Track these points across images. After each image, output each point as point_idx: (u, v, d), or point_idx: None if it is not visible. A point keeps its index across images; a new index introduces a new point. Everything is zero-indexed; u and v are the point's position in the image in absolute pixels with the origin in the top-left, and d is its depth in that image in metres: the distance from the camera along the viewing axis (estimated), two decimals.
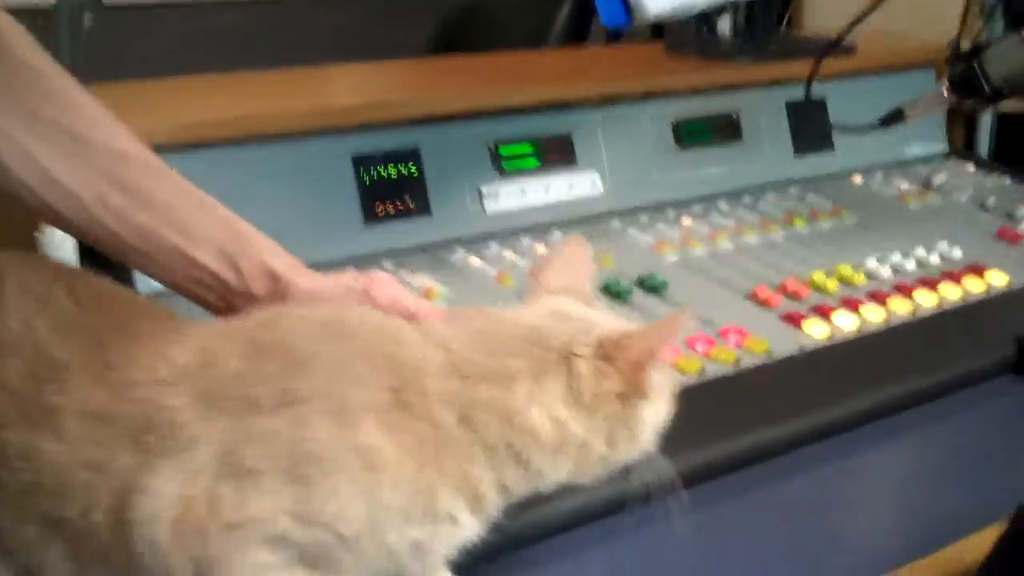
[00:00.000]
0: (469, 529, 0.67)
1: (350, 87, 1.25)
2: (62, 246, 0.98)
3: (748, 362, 1.02)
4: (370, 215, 1.17)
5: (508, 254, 1.20)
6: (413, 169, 1.20)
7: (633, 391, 0.67)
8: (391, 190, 1.19)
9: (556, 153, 1.30)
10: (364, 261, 1.14)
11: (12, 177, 0.68)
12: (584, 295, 0.75)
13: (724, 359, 1.01)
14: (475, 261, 1.18)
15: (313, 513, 0.62)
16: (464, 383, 0.65)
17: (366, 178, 1.17)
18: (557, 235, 1.26)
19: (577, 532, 0.80)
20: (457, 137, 1.23)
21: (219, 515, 0.61)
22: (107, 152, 0.69)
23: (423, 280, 1.12)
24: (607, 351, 0.67)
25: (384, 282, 0.74)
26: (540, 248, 1.23)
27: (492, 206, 1.25)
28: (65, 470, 0.65)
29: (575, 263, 0.78)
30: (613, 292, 1.13)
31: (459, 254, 1.19)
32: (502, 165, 1.26)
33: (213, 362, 0.65)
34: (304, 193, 1.13)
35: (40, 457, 0.66)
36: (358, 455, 0.62)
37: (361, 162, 1.17)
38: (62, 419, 0.66)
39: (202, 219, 0.72)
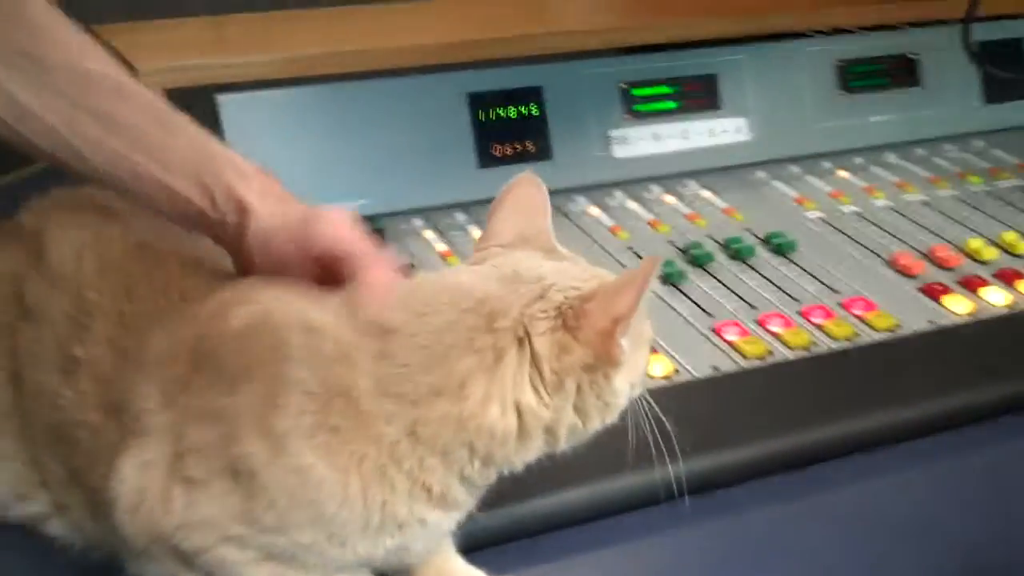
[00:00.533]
0: (445, 522, 0.62)
1: (467, 19, 1.19)
2: None
3: (865, 339, 0.91)
4: (485, 157, 1.12)
5: (632, 204, 1.13)
6: (534, 109, 1.14)
7: (602, 362, 0.59)
8: (509, 131, 1.13)
9: (697, 95, 1.21)
10: (476, 206, 1.10)
11: None
12: (542, 241, 0.66)
13: (838, 334, 0.91)
14: (593, 210, 1.11)
15: (264, 523, 0.58)
16: (408, 404, 0.57)
17: (482, 118, 1.12)
18: (692, 185, 1.18)
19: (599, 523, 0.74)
20: (584, 76, 1.16)
21: (172, 513, 0.58)
22: (72, 75, 0.65)
23: None
24: (568, 321, 0.59)
25: (328, 220, 0.65)
26: (669, 199, 1.14)
27: (620, 151, 1.17)
28: (75, 424, 0.65)
29: (529, 204, 0.68)
30: (733, 249, 1.04)
31: (578, 202, 1.13)
32: (634, 107, 1.18)
33: (173, 357, 0.61)
34: (416, 133, 1.09)
35: (60, 405, 0.65)
36: (295, 475, 0.57)
37: (477, 100, 1.11)
38: (78, 372, 0.65)
39: (174, 143, 0.66)
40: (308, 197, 1.02)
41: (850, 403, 0.83)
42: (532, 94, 1.14)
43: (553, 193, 1.08)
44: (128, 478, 0.60)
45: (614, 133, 1.17)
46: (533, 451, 0.61)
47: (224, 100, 1.03)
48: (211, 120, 1.03)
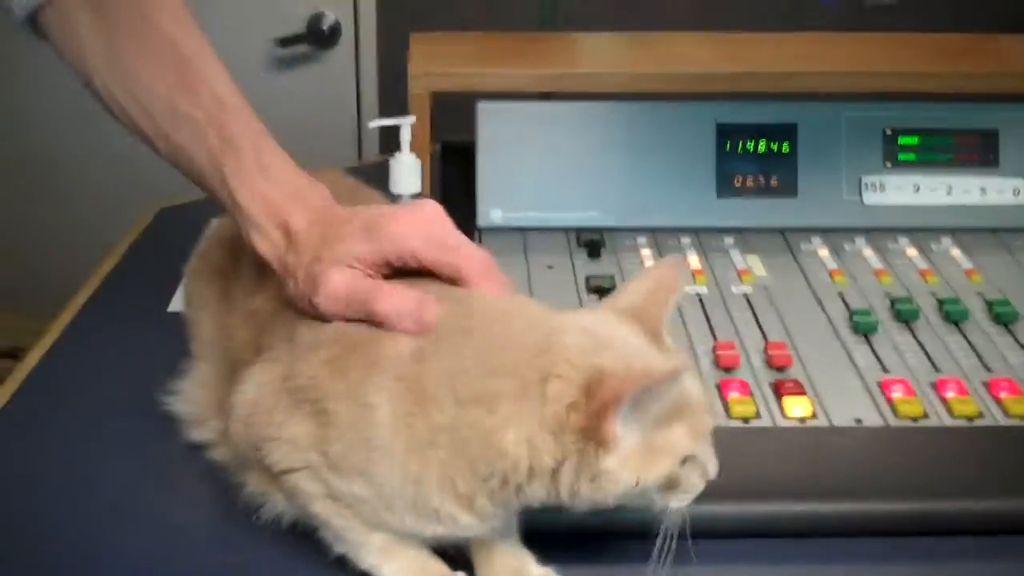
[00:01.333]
0: (478, 529, 0.66)
1: (721, 49, 1.21)
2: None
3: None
4: (725, 187, 1.14)
5: (868, 252, 1.10)
6: (786, 146, 1.15)
7: (593, 434, 0.61)
8: (754, 164, 1.14)
9: (972, 150, 1.15)
10: (706, 233, 1.13)
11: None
12: (652, 319, 0.68)
13: (1015, 411, 0.85)
14: (823, 252, 1.10)
15: (331, 455, 0.66)
16: (455, 399, 0.63)
17: (728, 147, 1.14)
18: (945, 242, 1.13)
19: None
20: (845, 118, 1.15)
21: (272, 426, 0.68)
22: (165, 106, 0.75)
23: (749, 260, 1.08)
24: (591, 382, 0.61)
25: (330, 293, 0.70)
26: (911, 252, 1.11)
27: (872, 198, 1.15)
28: (239, 362, 0.77)
29: (660, 285, 0.70)
30: (946, 310, 0.99)
31: (812, 243, 1.12)
32: (897, 156, 1.15)
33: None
34: (657, 154, 1.14)
35: (234, 346, 0.79)
36: (361, 408, 0.65)
37: (725, 131, 1.14)
38: (250, 320, 0.78)
39: (214, 186, 0.75)
40: (543, 204, 1.12)
41: (945, 479, 0.79)
42: (786, 131, 1.15)
43: (792, 231, 1.12)
44: (247, 390, 0.71)
45: (868, 179, 1.15)
46: (541, 492, 0.63)
47: (482, 107, 1.14)
48: (470, 124, 1.15)
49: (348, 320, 0.70)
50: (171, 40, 0.77)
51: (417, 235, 0.69)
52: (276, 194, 0.74)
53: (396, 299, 0.68)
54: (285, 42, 1.93)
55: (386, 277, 0.71)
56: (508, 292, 0.71)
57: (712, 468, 0.67)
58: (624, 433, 0.61)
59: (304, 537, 0.72)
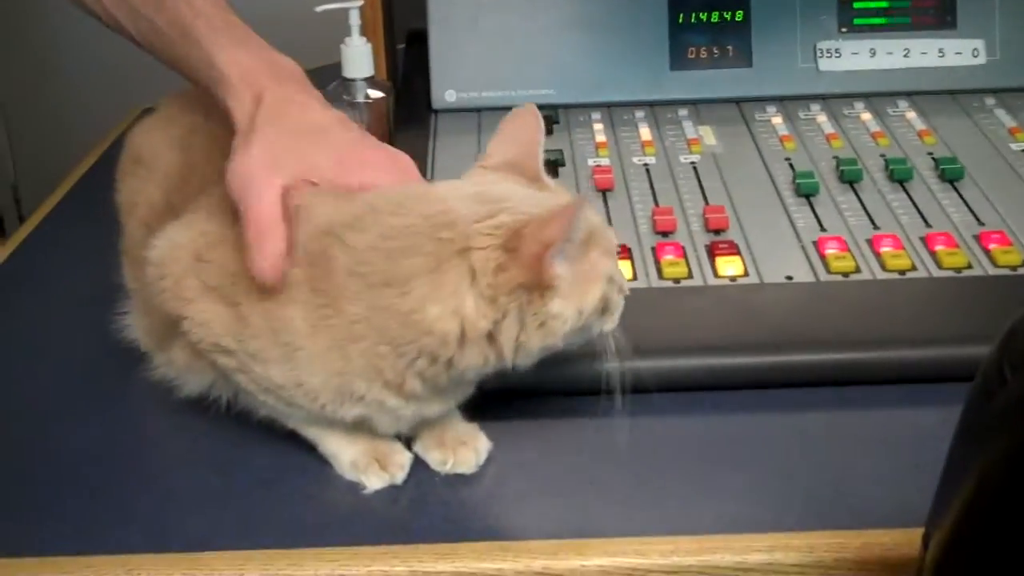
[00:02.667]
0: (407, 409, 0.68)
1: None
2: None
3: (973, 272, 0.86)
4: (678, 59, 1.14)
5: (822, 118, 1.10)
6: (739, 14, 1.14)
7: (536, 284, 0.64)
8: (708, 35, 1.14)
9: (929, 13, 1.14)
10: (660, 107, 1.13)
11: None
12: (529, 170, 0.71)
13: (947, 263, 0.87)
14: (776, 119, 1.10)
15: (248, 347, 0.68)
16: (366, 286, 0.65)
17: (680, 20, 1.14)
18: (901, 105, 1.12)
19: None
20: None
21: (184, 302, 0.70)
22: None
23: (701, 130, 1.08)
24: (508, 242, 0.63)
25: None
26: (866, 116, 1.10)
27: (828, 65, 1.14)
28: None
29: (525, 133, 0.72)
30: (891, 170, 0.99)
31: (767, 112, 1.12)
32: (853, 20, 1.14)
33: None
34: (611, 31, 1.14)
35: None
36: (277, 320, 0.67)
37: (678, 2, 1.13)
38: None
39: (192, 52, 0.76)
40: (497, 84, 1.12)
41: (863, 329, 0.81)
42: (739, 0, 1.14)
43: (746, 100, 1.12)
44: (159, 247, 0.72)
45: (823, 45, 1.14)
46: (477, 359, 0.65)
47: None
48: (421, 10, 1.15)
49: None
50: None
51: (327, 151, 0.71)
52: (251, 63, 0.75)
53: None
54: None
55: None
56: None
57: (625, 283, 0.71)
58: (560, 272, 0.64)
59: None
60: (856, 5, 1.14)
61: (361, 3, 1.08)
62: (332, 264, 0.66)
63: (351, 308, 0.65)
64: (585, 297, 0.66)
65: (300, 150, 0.71)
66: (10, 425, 0.80)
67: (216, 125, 0.79)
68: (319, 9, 1.06)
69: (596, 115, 1.12)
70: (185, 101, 0.86)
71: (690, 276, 0.87)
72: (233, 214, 0.71)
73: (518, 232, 0.63)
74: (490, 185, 0.69)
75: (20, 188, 2.42)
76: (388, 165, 0.73)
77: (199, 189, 0.76)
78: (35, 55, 2.24)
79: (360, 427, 0.71)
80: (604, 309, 0.68)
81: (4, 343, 0.90)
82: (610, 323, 0.70)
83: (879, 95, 1.13)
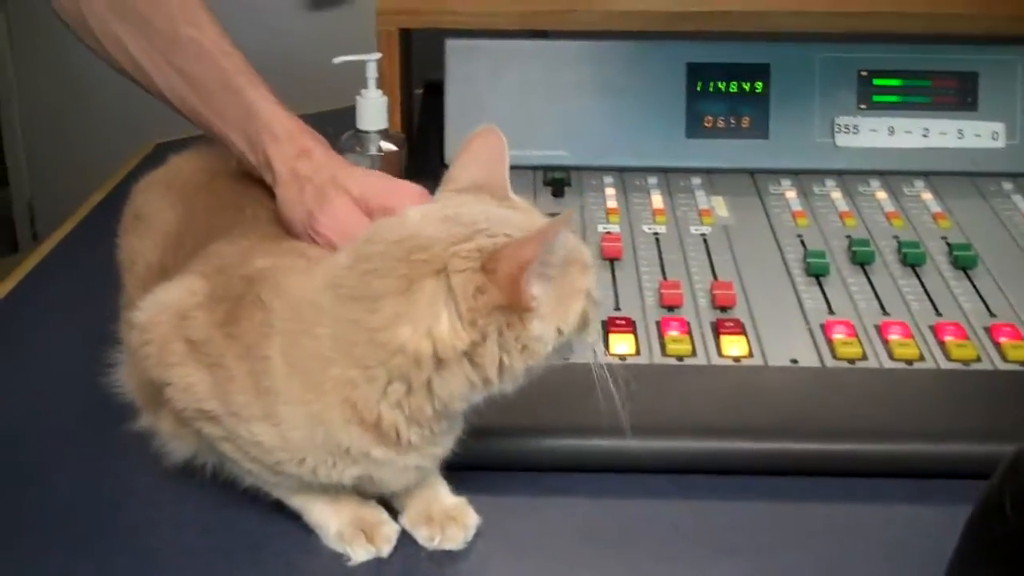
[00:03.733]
0: (398, 461, 0.67)
1: None
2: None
3: (981, 366, 0.84)
4: (695, 127, 1.13)
5: (836, 195, 1.09)
6: (758, 86, 1.13)
7: (513, 305, 0.62)
8: (726, 104, 1.13)
9: (950, 93, 1.13)
10: (674, 174, 1.12)
11: (104, 51, 0.82)
12: (497, 190, 0.70)
13: (956, 355, 0.85)
14: (791, 193, 1.09)
15: (233, 402, 0.67)
16: (336, 300, 0.65)
17: (699, 86, 1.13)
18: (918, 186, 1.11)
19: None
20: (819, 59, 1.13)
21: (167, 367, 0.69)
22: (168, 37, 0.79)
23: (713, 201, 1.07)
24: (486, 263, 0.62)
25: (332, 215, 0.74)
26: (881, 195, 1.09)
27: (845, 140, 1.13)
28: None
29: (489, 153, 0.72)
30: (903, 253, 0.98)
31: (781, 184, 1.11)
32: (872, 97, 1.13)
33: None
34: (627, 93, 1.13)
35: None
36: (259, 362, 0.66)
37: (697, 71, 1.13)
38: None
39: (229, 102, 0.78)
40: (511, 142, 1.12)
41: (867, 419, 0.79)
42: (758, 71, 1.13)
43: (762, 172, 1.11)
44: (144, 309, 0.71)
45: (842, 120, 1.13)
46: (461, 385, 0.64)
47: (451, 44, 1.13)
48: (439, 62, 1.15)
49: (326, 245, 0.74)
50: None
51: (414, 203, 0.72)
52: (295, 124, 0.78)
53: None
54: None
55: None
56: None
57: (598, 293, 0.69)
58: (539, 294, 0.63)
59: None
60: (876, 82, 1.13)
61: (379, 56, 1.07)
62: (305, 300, 0.66)
63: (321, 330, 0.65)
64: (566, 316, 0.65)
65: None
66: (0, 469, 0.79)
67: (222, 185, 0.79)
68: (337, 61, 1.06)
69: (608, 179, 1.12)
70: (192, 159, 0.86)
71: (694, 354, 0.85)
72: (226, 275, 0.70)
73: (495, 254, 0.62)
74: (462, 207, 0.68)
75: (36, 205, 2.44)
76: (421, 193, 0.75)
77: (193, 252, 0.75)
78: (61, 76, 2.26)
79: (348, 494, 0.70)
80: (585, 323, 0.67)
81: (2, 377, 0.89)
82: (591, 335, 0.68)
83: (896, 174, 1.12)
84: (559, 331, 0.65)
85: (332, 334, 0.64)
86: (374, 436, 0.65)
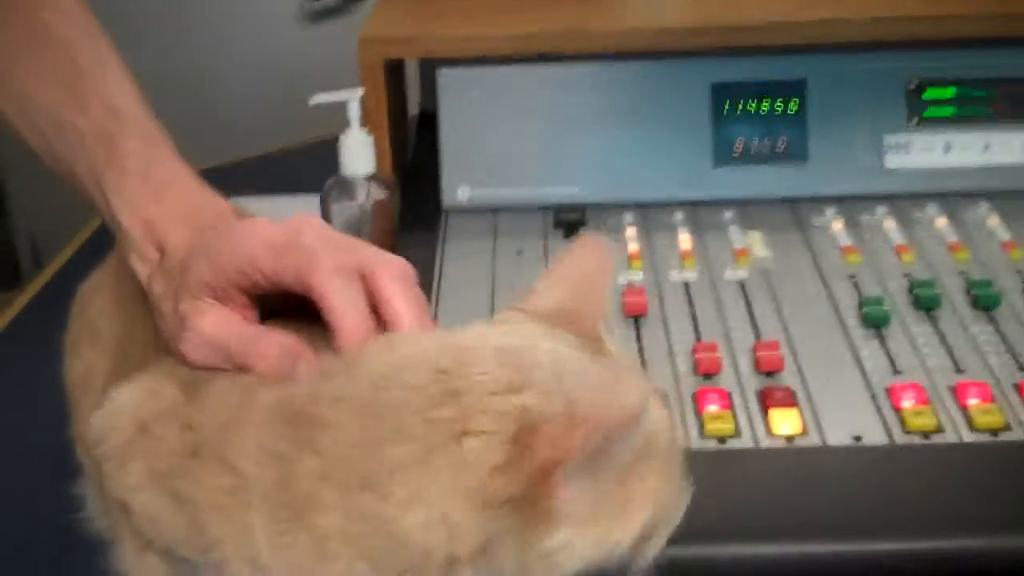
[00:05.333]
0: None
1: (720, 3, 1.05)
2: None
3: None
4: (723, 154, 1.00)
5: (889, 224, 0.96)
6: (793, 105, 1.00)
7: (530, 503, 0.44)
8: (757, 126, 1.00)
9: (1013, 102, 0.99)
10: (702, 208, 0.99)
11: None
12: (586, 321, 0.52)
13: None
14: (837, 224, 0.96)
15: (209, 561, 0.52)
16: (340, 488, 0.47)
17: (725, 107, 1.00)
18: (982, 208, 0.97)
19: None
20: (862, 71, 1.00)
21: (124, 489, 0.56)
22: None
23: (749, 237, 0.94)
24: (519, 432, 0.44)
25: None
26: (941, 222, 0.95)
27: (895, 161, 1.00)
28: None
29: (587, 274, 0.54)
30: (975, 295, 0.84)
31: (826, 214, 0.98)
32: (924, 112, 0.99)
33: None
34: (645, 119, 1.00)
35: None
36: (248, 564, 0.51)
37: (723, 91, 1.00)
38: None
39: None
40: (516, 180, 0.99)
41: (949, 509, 0.66)
42: (793, 88, 1.00)
43: (802, 201, 0.98)
44: (100, 414, 0.56)
45: (891, 139, 0.99)
46: None
47: (443, 74, 1.01)
48: (432, 93, 1.02)
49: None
50: (66, 49, 0.66)
51: (256, 238, 0.53)
52: (161, 213, 0.59)
53: (264, 347, 0.53)
54: None
55: (273, 312, 0.56)
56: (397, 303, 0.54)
57: (686, 497, 0.52)
58: (575, 496, 0.45)
59: None
60: (928, 94, 0.99)
61: (361, 93, 0.95)
62: (295, 471, 0.49)
63: (322, 521, 0.48)
64: (615, 530, 0.47)
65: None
66: None
67: None
68: (313, 103, 0.93)
69: (628, 217, 0.99)
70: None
71: (738, 434, 0.72)
72: (190, 380, 0.57)
73: (536, 426, 0.44)
74: (526, 339, 0.49)
75: (38, 239, 2.35)
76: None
77: (141, 364, 0.61)
78: None
79: None
80: (647, 537, 0.49)
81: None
82: (652, 551, 0.50)
83: (955, 195, 0.99)
84: (601, 544, 0.47)
85: (338, 530, 0.48)
86: None
